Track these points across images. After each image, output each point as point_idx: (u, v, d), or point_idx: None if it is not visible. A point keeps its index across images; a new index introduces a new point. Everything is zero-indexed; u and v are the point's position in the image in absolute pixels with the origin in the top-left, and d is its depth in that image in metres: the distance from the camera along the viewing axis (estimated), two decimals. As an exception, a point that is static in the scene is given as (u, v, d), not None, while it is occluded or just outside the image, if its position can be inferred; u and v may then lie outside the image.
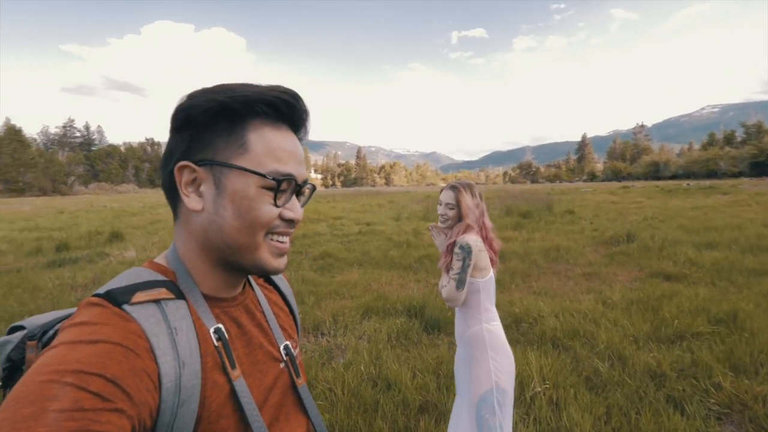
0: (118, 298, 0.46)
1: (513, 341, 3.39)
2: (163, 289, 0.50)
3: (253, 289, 0.66)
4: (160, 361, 0.45)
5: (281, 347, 0.64)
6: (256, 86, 0.54)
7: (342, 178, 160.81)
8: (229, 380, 0.52)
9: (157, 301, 0.49)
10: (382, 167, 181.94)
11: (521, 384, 2.58)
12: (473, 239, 1.65)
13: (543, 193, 22.60)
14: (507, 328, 3.69)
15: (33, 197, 56.37)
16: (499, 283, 5.27)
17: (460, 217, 1.75)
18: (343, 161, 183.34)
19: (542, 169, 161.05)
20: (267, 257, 0.55)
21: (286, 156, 0.55)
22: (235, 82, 0.55)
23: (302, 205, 0.60)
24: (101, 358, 0.39)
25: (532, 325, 3.69)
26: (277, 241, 0.56)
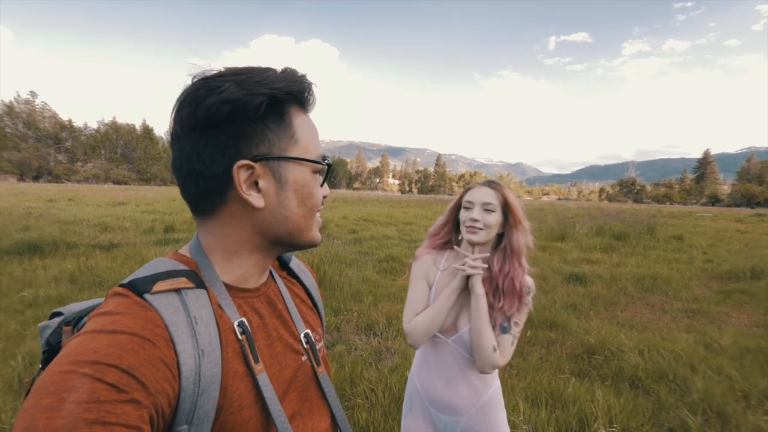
0: (139, 287, 0.47)
1: (581, 374, 3.01)
2: (184, 279, 0.51)
3: (275, 281, 0.66)
4: (178, 349, 0.45)
5: (302, 336, 0.63)
6: (278, 73, 0.53)
7: (419, 184, 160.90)
8: (252, 373, 0.52)
9: (177, 291, 0.49)
10: (462, 176, 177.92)
11: (581, 421, 2.26)
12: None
13: (646, 214, 19.87)
14: (576, 358, 3.30)
15: (156, 186, 66.88)
16: (575, 307, 4.76)
17: (502, 231, 1.24)
18: (421, 168, 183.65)
19: (648, 188, 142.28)
20: (316, 232, 0.60)
21: (317, 139, 0.58)
22: (251, 67, 0.52)
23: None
24: (117, 349, 0.40)
25: (607, 359, 3.23)
26: (318, 216, 0.60)
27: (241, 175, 0.51)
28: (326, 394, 0.64)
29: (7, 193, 22.22)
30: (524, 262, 1.22)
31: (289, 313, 0.64)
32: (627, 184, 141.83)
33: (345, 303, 4.45)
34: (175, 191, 39.32)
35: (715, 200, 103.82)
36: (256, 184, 0.52)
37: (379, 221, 13.97)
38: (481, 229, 1.19)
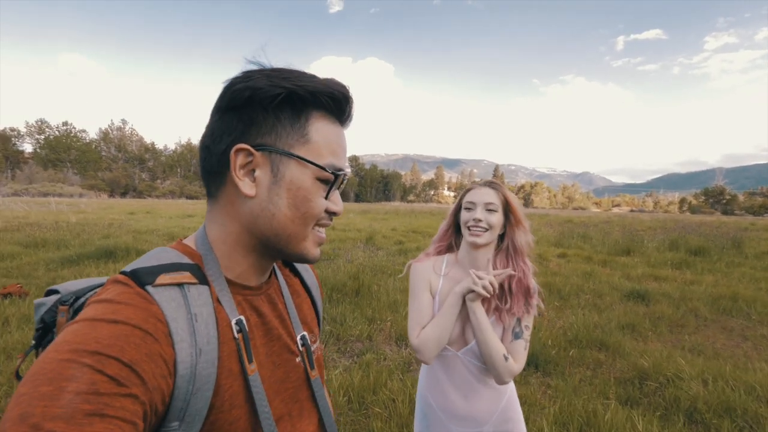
0: (142, 278, 0.47)
1: (629, 401, 2.71)
2: (188, 273, 0.50)
3: (277, 279, 0.66)
4: (177, 347, 0.44)
5: (298, 337, 0.63)
6: (316, 77, 0.54)
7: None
8: (245, 373, 0.51)
9: (180, 285, 0.48)
10: (521, 186, 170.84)
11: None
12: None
13: (735, 227, 17.54)
14: (626, 383, 2.97)
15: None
16: (633, 327, 4.31)
17: (503, 231, 1.21)
18: (478, 179, 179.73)
19: (741, 198, 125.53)
20: (310, 247, 0.56)
21: (340, 150, 0.56)
22: (292, 68, 0.54)
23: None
24: (119, 341, 0.39)
25: (662, 386, 2.86)
26: (320, 231, 0.57)
27: (238, 159, 0.51)
28: (316, 398, 0.63)
29: (98, 207, 25.49)
30: (528, 261, 1.20)
31: (288, 313, 0.64)
32: (714, 193, 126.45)
33: (380, 312, 4.44)
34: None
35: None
36: (254, 173, 0.52)
37: (428, 233, 13.83)
38: (485, 229, 1.16)
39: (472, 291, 1.11)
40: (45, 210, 19.03)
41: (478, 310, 1.12)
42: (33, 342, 0.58)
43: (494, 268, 1.19)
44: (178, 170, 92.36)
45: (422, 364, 1.28)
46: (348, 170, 0.57)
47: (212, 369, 0.47)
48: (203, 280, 0.51)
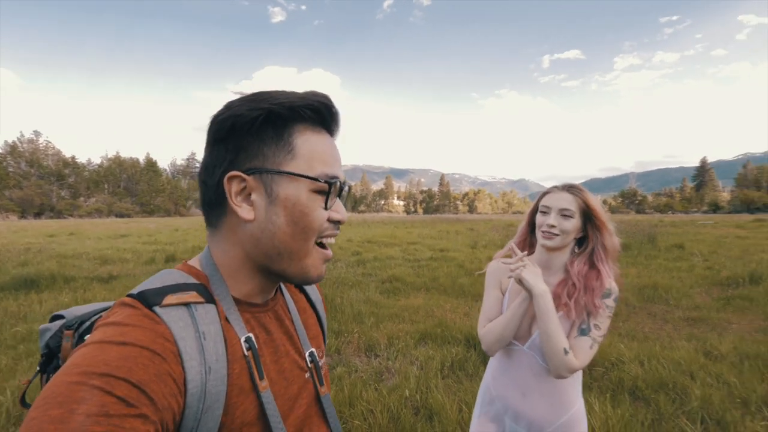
0: (149, 299, 0.47)
1: (583, 386, 2.99)
2: (194, 293, 0.50)
3: (283, 295, 0.66)
4: (186, 366, 0.44)
5: (306, 354, 0.63)
6: (295, 92, 0.54)
7: (424, 204, 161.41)
8: (256, 390, 0.51)
9: (187, 305, 0.49)
10: (466, 194, 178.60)
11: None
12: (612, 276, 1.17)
13: (648, 224, 19.86)
14: (577, 370, 3.28)
15: (159, 217, 67.40)
16: (577, 320, 4.74)
17: (581, 237, 1.21)
18: (426, 188, 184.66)
19: (650, 198, 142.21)
20: (314, 263, 0.56)
21: (330, 159, 0.56)
22: (271, 90, 0.54)
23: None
24: (128, 362, 0.39)
25: (608, 371, 3.21)
26: (325, 247, 0.57)
27: (232, 186, 0.52)
28: (327, 415, 0.63)
29: (7, 230, 22.41)
30: (611, 264, 1.19)
31: (296, 329, 0.64)
32: (628, 195, 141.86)
33: (346, 325, 4.45)
34: (177, 222, 39.57)
35: (716, 207, 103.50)
36: (250, 197, 0.53)
37: (383, 242, 14.00)
38: (557, 234, 1.17)
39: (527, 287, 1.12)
40: (-61, 237, 16.34)
41: (541, 298, 1.09)
42: (38, 369, 0.58)
43: (570, 270, 1.18)
44: (106, 186, 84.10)
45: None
46: (343, 178, 0.57)
47: (222, 387, 0.47)
48: (210, 299, 0.51)
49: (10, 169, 71.32)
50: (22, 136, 78.64)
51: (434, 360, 3.47)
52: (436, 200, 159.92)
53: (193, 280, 0.53)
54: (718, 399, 2.64)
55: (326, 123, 0.56)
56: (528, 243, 1.32)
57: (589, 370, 3.27)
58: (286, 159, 0.53)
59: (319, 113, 0.54)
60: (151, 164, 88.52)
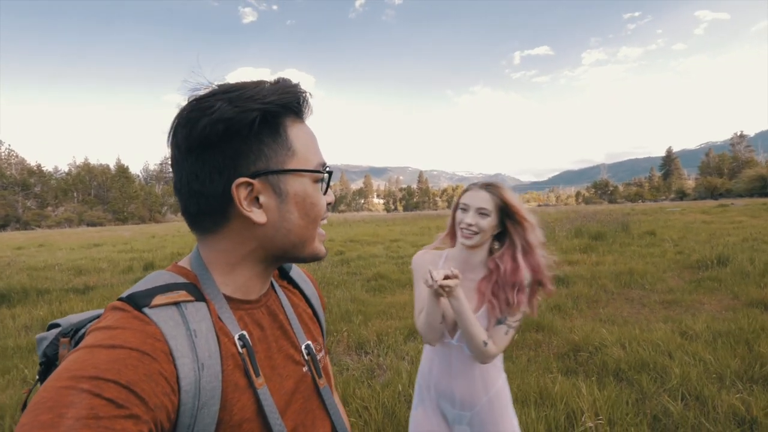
0: (138, 301, 0.47)
1: (569, 371, 3.10)
2: (183, 292, 0.50)
3: (276, 292, 0.66)
4: (178, 363, 0.44)
5: (303, 347, 0.63)
6: (268, 85, 0.53)
7: (404, 202, 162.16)
8: (252, 387, 0.51)
9: (176, 304, 0.48)
10: (444, 190, 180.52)
11: (569, 417, 2.33)
12: (540, 261, 1.23)
13: (620, 213, 20.61)
14: (563, 357, 3.38)
15: (133, 224, 65.24)
16: (560, 308, 4.88)
17: (499, 233, 1.27)
18: (404, 186, 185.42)
19: (621, 188, 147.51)
20: (319, 245, 0.59)
21: (316, 146, 0.58)
22: (238, 83, 0.52)
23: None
24: (116, 364, 0.39)
25: (592, 355, 3.33)
26: (321, 229, 0.60)
27: (240, 193, 0.50)
28: (327, 406, 0.64)
29: (-28, 244, 21.21)
30: (535, 257, 1.22)
31: (290, 323, 0.64)
32: (601, 186, 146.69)
33: (335, 324, 4.44)
34: (153, 228, 38.38)
35: (682, 195, 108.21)
36: (257, 199, 0.52)
37: (366, 241, 13.99)
38: (475, 233, 1.21)
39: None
40: None
41: (455, 302, 1.14)
42: (37, 378, 0.57)
43: (494, 265, 1.23)
44: (75, 194, 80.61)
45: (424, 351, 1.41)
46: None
47: (217, 383, 0.47)
48: (200, 297, 0.51)
49: (-31, 180, 67.47)
50: (-20, 144, 74.48)
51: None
52: (415, 197, 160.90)
53: (182, 280, 0.52)
54: (695, 376, 2.78)
55: (302, 112, 0.57)
56: (455, 236, 1.35)
57: (574, 355, 3.38)
58: (288, 156, 0.53)
59: (303, 104, 0.56)
60: (122, 170, 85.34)
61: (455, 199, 1.35)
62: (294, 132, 0.54)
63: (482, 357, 1.18)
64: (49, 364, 0.57)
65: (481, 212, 1.22)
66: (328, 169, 0.58)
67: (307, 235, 0.56)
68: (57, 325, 0.60)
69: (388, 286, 6.55)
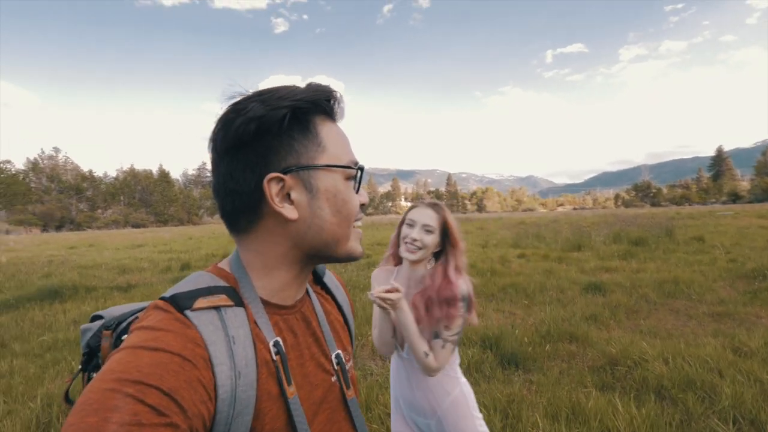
0: (181, 303, 0.48)
1: (605, 387, 2.91)
2: (224, 296, 0.51)
3: (310, 297, 0.65)
4: (216, 371, 0.45)
5: (333, 356, 0.62)
6: (305, 87, 0.55)
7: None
8: (284, 396, 0.51)
9: (217, 308, 0.49)
10: (474, 193, 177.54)
11: (603, 436, 2.18)
12: (468, 283, 1.30)
13: (664, 217, 19.42)
14: (599, 370, 3.19)
15: (173, 226, 69.03)
16: (596, 318, 4.63)
17: (440, 248, 1.34)
18: (433, 189, 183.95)
19: (664, 190, 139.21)
20: (355, 244, 0.58)
21: (349, 145, 0.58)
22: (271, 87, 0.54)
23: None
24: (159, 369, 0.40)
25: (630, 370, 3.12)
26: (357, 227, 0.59)
27: (272, 189, 0.51)
28: (354, 419, 0.62)
29: (31, 243, 23.08)
30: (460, 276, 1.30)
31: (322, 331, 0.63)
32: (642, 188, 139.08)
33: (360, 328, 4.42)
34: (191, 230, 40.19)
35: (735, 197, 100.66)
36: (289, 196, 0.52)
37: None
38: (420, 248, 1.29)
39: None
40: (-36, 252, 16.89)
41: (400, 314, 1.22)
42: (80, 367, 0.60)
43: (430, 280, 1.30)
44: (122, 198, 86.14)
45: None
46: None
47: (252, 392, 0.47)
48: (239, 302, 0.52)
49: (33, 185, 73.81)
50: (43, 153, 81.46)
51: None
52: (444, 200, 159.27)
53: (222, 283, 0.53)
54: (750, 397, 2.52)
55: (335, 112, 0.57)
56: (397, 255, 1.42)
57: (611, 369, 3.18)
58: (318, 152, 0.53)
59: (334, 103, 0.56)
60: (164, 175, 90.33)
61: (402, 215, 1.41)
62: (325, 130, 0.55)
63: (426, 369, 1.25)
64: (91, 354, 0.59)
65: (427, 229, 1.30)
66: (360, 165, 0.58)
67: (340, 233, 0.55)
68: (100, 317, 0.62)
69: (415, 291, 6.49)
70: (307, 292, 0.65)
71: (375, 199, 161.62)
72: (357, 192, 0.58)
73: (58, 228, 65.31)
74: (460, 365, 3.33)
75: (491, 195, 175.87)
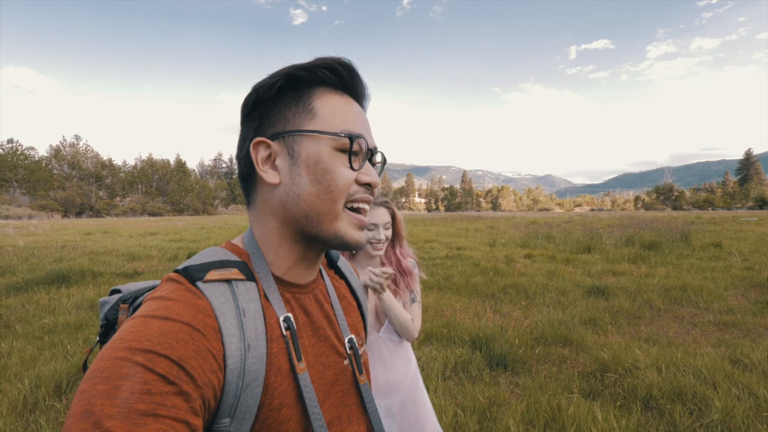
0: (193, 274, 0.48)
1: (592, 393, 2.83)
2: (236, 270, 0.51)
3: (323, 280, 0.65)
4: (226, 341, 0.45)
5: (346, 341, 0.62)
6: (316, 58, 0.55)
7: (446, 202, 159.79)
8: (294, 372, 0.51)
9: (228, 281, 0.49)
10: (489, 191, 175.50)
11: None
12: (413, 255, 1.60)
13: (683, 221, 18.81)
14: (588, 376, 3.10)
15: (188, 215, 70.72)
16: (594, 322, 4.51)
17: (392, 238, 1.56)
18: (447, 185, 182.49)
19: (687, 194, 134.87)
20: (347, 228, 0.54)
21: (354, 118, 0.55)
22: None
23: (379, 176, 0.59)
24: (168, 338, 0.40)
25: (621, 377, 3.02)
26: (357, 210, 0.55)
27: (259, 153, 0.53)
28: (366, 404, 0.62)
29: (50, 228, 23.84)
30: (407, 252, 1.56)
31: (335, 314, 0.63)
32: (664, 190, 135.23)
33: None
34: (204, 220, 40.95)
35: (762, 203, 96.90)
36: (276, 162, 0.53)
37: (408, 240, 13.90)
38: (383, 244, 1.45)
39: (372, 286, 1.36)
40: (-13, 234, 17.57)
41: (385, 296, 1.37)
42: (98, 339, 0.61)
43: (383, 262, 1.51)
44: (139, 186, 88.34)
45: None
46: (371, 140, 0.56)
47: (261, 365, 0.47)
48: (251, 276, 0.52)
49: (55, 172, 76.27)
50: (65, 140, 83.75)
51: (436, 361, 3.37)
52: (458, 197, 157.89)
53: (235, 258, 0.53)
54: (741, 412, 2.41)
55: (349, 88, 0.56)
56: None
57: (601, 376, 3.09)
58: (307, 119, 0.53)
59: (340, 75, 0.54)
60: (180, 165, 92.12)
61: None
62: (323, 99, 0.54)
63: (412, 333, 1.43)
64: (109, 327, 0.60)
65: (386, 226, 1.46)
66: (365, 143, 0.54)
67: (320, 207, 0.52)
68: (118, 291, 0.63)
69: (415, 288, 6.44)
70: (321, 275, 0.65)
71: (388, 195, 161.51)
72: (353, 167, 0.53)
73: (78, 214, 67.42)
74: (446, 365, 3.30)
75: (507, 193, 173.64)
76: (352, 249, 0.56)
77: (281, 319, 0.52)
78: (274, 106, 0.53)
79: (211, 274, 0.48)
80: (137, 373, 0.37)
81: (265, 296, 0.52)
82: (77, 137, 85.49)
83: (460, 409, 2.55)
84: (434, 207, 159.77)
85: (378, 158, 0.60)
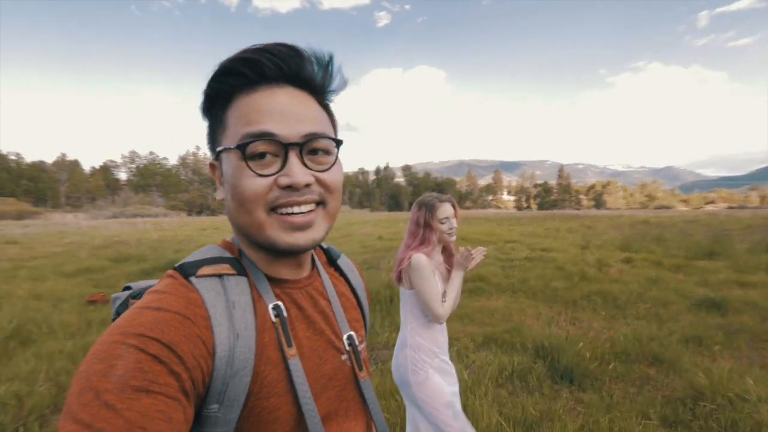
0: (187, 270, 0.51)
1: (676, 423, 2.41)
2: (227, 265, 0.54)
3: (321, 277, 0.66)
4: (215, 330, 0.47)
5: (344, 337, 0.62)
6: (223, 63, 0.52)
7: (539, 200, 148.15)
8: (284, 358, 0.52)
9: (220, 276, 0.52)
10: (592, 187, 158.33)
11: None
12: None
13: None
14: (675, 402, 2.65)
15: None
16: (700, 341, 3.79)
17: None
18: (541, 181, 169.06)
19: None
20: (276, 233, 0.52)
21: (257, 115, 0.50)
22: (239, 50, 0.52)
23: (330, 166, 0.54)
24: (160, 325, 0.43)
25: (720, 408, 2.48)
26: (286, 213, 0.52)
27: (214, 172, 0.58)
28: (366, 400, 0.62)
29: (177, 225, 28.53)
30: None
31: (333, 310, 0.63)
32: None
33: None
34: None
35: None
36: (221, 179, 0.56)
37: (478, 240, 13.39)
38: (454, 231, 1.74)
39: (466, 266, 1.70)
40: (133, 229, 21.76)
41: (461, 276, 1.72)
42: None
43: (446, 248, 1.83)
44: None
45: (406, 338, 1.70)
46: (287, 132, 0.50)
47: (250, 354, 0.49)
48: (242, 272, 0.54)
49: (182, 177, 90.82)
50: (188, 151, 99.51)
51: (491, 366, 3.18)
52: (553, 194, 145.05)
53: (227, 254, 0.56)
54: None
55: (265, 76, 0.52)
56: (422, 239, 1.72)
57: (693, 405, 2.58)
58: (223, 135, 0.53)
59: (241, 75, 0.51)
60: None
61: (425, 217, 1.71)
62: (233, 107, 0.52)
63: (449, 314, 1.68)
64: None
65: (454, 215, 1.75)
66: (252, 140, 0.49)
67: (243, 220, 0.52)
68: (129, 288, 0.68)
69: (486, 289, 6.15)
70: (318, 272, 0.66)
71: (474, 192, 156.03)
72: (276, 171, 0.50)
73: (199, 213, 79.68)
74: (502, 371, 3.09)
75: (613, 189, 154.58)
76: (287, 253, 0.54)
77: (270, 306, 0.53)
78: (209, 126, 0.56)
79: (204, 270, 0.51)
80: (131, 354, 0.40)
81: (257, 290, 0.54)
82: (197, 147, 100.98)
83: (504, 422, 2.36)
84: (525, 205, 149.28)
85: (320, 144, 0.53)
